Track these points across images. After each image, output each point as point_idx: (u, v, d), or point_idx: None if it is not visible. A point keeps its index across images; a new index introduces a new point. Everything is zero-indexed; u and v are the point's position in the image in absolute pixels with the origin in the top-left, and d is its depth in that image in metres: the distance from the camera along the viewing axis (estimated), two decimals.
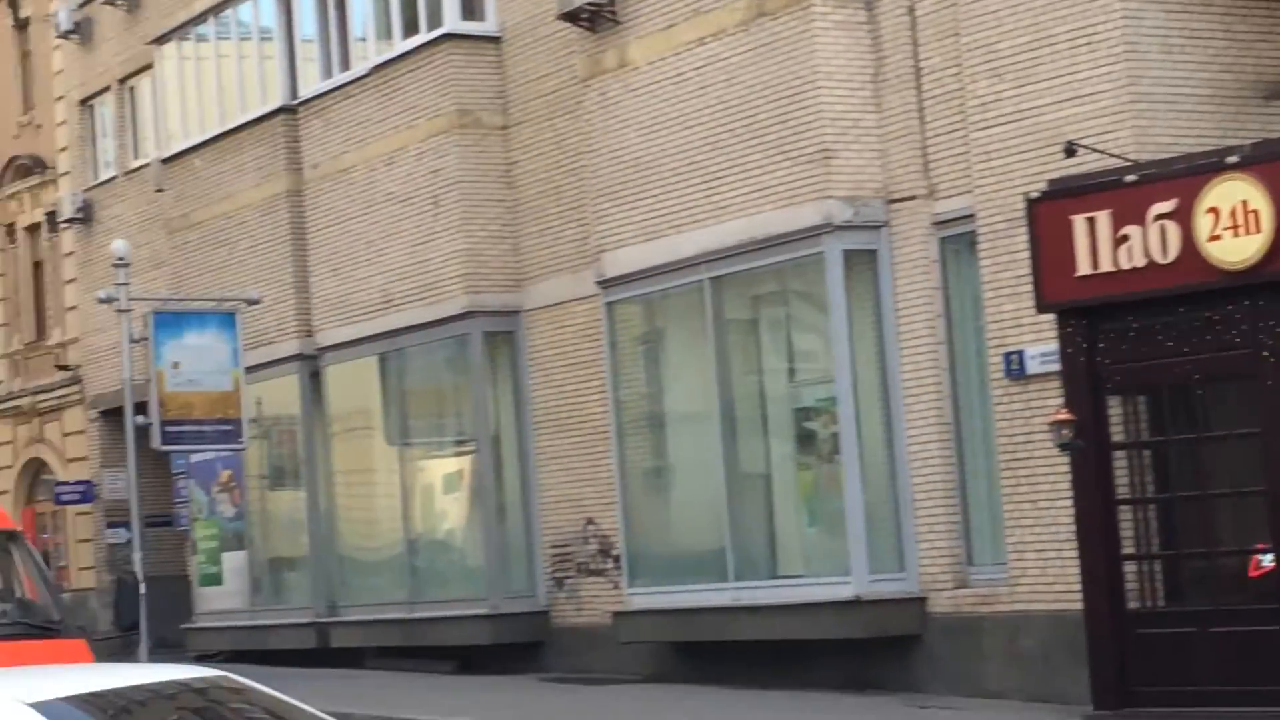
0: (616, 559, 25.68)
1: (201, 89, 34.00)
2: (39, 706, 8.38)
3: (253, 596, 32.93)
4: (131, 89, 37.36)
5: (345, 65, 30.01)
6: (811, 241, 22.00)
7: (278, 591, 32.84)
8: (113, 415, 34.77)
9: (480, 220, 27.61)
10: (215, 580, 33.96)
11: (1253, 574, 17.65)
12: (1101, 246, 18.06)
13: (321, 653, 30.71)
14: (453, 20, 27.78)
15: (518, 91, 27.58)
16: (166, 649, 32.47)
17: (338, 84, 30.05)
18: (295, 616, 31.61)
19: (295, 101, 31.25)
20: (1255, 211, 17.03)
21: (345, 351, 30.24)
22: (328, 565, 31.08)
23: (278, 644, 31.73)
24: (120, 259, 29.99)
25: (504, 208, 27.64)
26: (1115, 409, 18.45)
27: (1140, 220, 17.76)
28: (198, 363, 29.55)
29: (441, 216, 27.90)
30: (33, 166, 40.57)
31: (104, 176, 37.75)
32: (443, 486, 29.66)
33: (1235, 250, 17.13)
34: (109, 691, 8.99)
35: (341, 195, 30.08)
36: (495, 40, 27.84)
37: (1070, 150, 18.42)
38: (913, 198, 21.57)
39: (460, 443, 28.93)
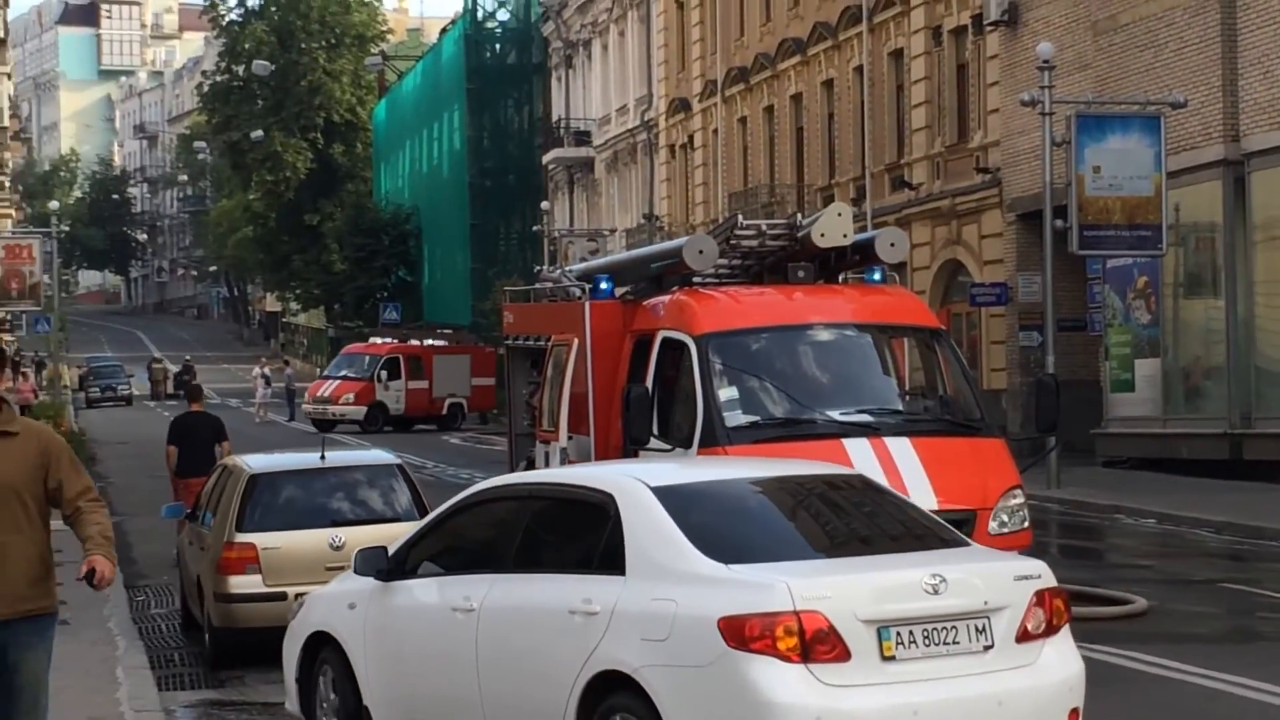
0: None
1: None
2: (659, 491, 9.70)
3: (1164, 405, 32.59)
4: None
5: None
6: None
7: (1190, 401, 32.38)
8: (1030, 218, 34.94)
9: None
10: (1127, 386, 33.79)
11: None
12: None
13: (1233, 464, 30.12)
14: None
15: None
16: (1074, 453, 32.63)
17: None
18: (1207, 427, 31.12)
19: None
20: None
21: (1273, 157, 29.22)
22: (1244, 376, 30.38)
23: (1188, 454, 31.36)
24: (1045, 62, 29.96)
25: None
26: None
27: None
28: (1119, 167, 29.28)
29: None
30: None
31: None
32: None
33: None
34: (724, 480, 10.35)
35: None
36: None
37: None
38: None
39: None
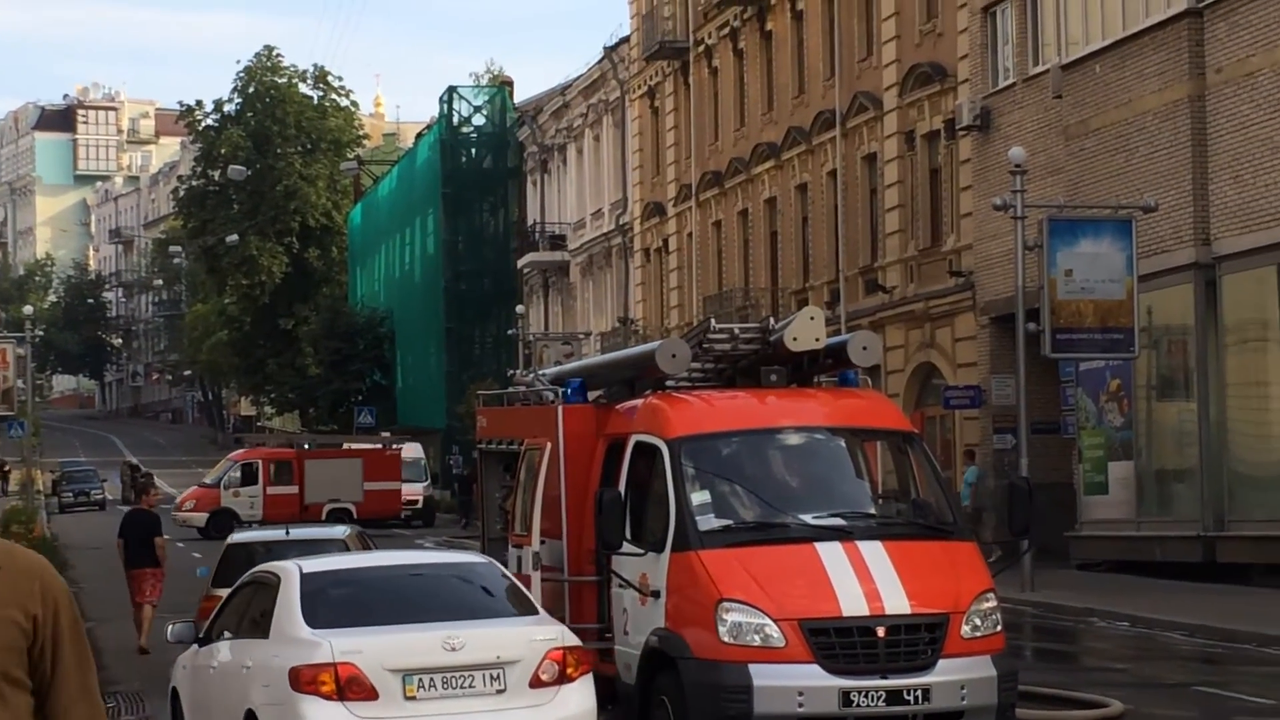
0: None
1: None
2: (305, 575, 12.87)
3: (1138, 507, 32.58)
4: None
5: None
6: None
7: (1163, 503, 32.38)
8: (1003, 321, 35.06)
9: None
10: (1100, 489, 33.80)
11: None
12: None
13: (1206, 567, 30.09)
14: None
15: None
16: (1049, 556, 32.58)
17: None
18: (1181, 529, 31.10)
19: (1200, 5, 30.45)
20: None
21: (1244, 260, 29.37)
22: (1217, 478, 30.40)
23: (1162, 556, 31.33)
24: (1017, 166, 30.14)
25: None
26: None
27: None
28: (1091, 270, 29.42)
29: None
30: (933, 74, 41.18)
31: (1003, 83, 37.88)
32: None
33: None
34: (367, 567, 14.30)
35: (1245, 100, 29.16)
36: None
37: None
38: None
39: None
